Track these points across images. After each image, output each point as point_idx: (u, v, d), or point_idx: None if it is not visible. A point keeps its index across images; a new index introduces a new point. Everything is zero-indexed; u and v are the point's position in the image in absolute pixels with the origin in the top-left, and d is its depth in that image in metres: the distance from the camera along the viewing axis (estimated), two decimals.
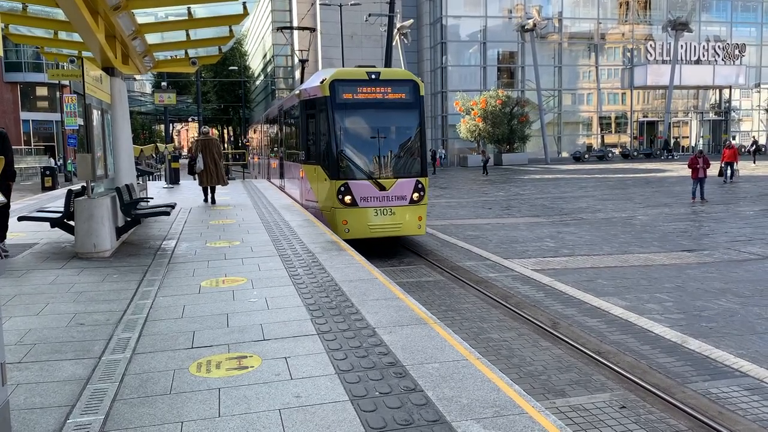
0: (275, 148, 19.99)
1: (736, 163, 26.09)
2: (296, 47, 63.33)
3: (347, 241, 9.63)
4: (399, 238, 12.73)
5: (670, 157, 50.33)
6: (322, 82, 11.97)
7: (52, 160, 39.36)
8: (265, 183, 22.36)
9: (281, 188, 18.27)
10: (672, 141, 55.04)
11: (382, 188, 11.60)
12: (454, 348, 4.53)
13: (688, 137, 57.55)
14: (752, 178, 28.97)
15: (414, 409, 3.56)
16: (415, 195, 11.82)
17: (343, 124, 11.80)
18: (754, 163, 39.80)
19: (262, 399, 3.74)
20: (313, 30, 29.51)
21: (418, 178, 11.95)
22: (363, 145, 11.89)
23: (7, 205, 8.71)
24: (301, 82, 23.09)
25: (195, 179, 15.58)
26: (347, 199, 11.48)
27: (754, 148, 42.82)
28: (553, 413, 3.84)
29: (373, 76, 11.98)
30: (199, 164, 14.50)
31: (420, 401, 3.66)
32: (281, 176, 18.31)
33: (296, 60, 66.47)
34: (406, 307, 5.60)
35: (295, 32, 44.27)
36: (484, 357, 4.43)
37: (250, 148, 37.58)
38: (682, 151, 54.14)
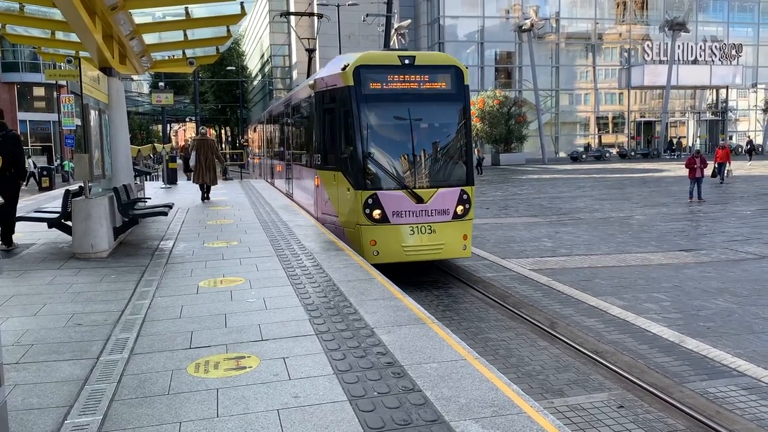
0: (281, 150, 17.61)
1: (729, 163, 26.17)
2: (293, 42, 63.32)
3: (376, 265, 7.78)
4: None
5: (674, 156, 50.43)
6: (344, 69, 9.68)
7: (45, 159, 39.29)
8: (263, 183, 22.34)
9: (288, 195, 15.97)
10: (676, 141, 55.23)
11: (419, 200, 9.40)
12: (452, 348, 4.54)
13: (685, 137, 57.67)
14: (749, 178, 29.04)
15: (412, 409, 3.56)
16: (459, 208, 9.64)
17: (370, 121, 9.62)
18: (749, 162, 39.96)
19: (261, 399, 3.73)
20: (320, 16, 28.47)
21: (463, 188, 9.75)
22: (395, 147, 9.75)
23: (11, 206, 8.82)
24: (308, 75, 19.81)
25: (188, 179, 16.01)
26: (376, 213, 9.32)
27: (749, 147, 43.00)
28: (552, 413, 3.85)
29: (407, 61, 9.76)
30: (192, 162, 15.49)
31: (418, 401, 3.66)
32: (288, 182, 15.91)
33: (294, 60, 66.45)
34: (405, 307, 5.60)
35: (294, 30, 43.55)
36: (482, 357, 4.43)
37: (250, 148, 36.82)
38: (688, 151, 54.37)
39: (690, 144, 55.40)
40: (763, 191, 22.95)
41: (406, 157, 9.68)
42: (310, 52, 26.36)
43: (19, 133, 9.79)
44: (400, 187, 9.46)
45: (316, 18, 28.37)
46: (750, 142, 44.95)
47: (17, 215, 9.24)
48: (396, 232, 9.37)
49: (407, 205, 9.39)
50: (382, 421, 3.42)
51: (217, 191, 17.78)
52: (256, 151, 29.97)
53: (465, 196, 9.73)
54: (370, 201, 9.33)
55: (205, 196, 15.51)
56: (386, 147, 9.72)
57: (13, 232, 8.97)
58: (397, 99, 9.76)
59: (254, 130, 31.93)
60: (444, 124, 10.18)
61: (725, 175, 26.07)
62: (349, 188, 9.63)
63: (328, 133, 10.42)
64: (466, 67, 10.31)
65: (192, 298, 6.11)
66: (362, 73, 9.61)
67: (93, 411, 3.61)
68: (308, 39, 29.80)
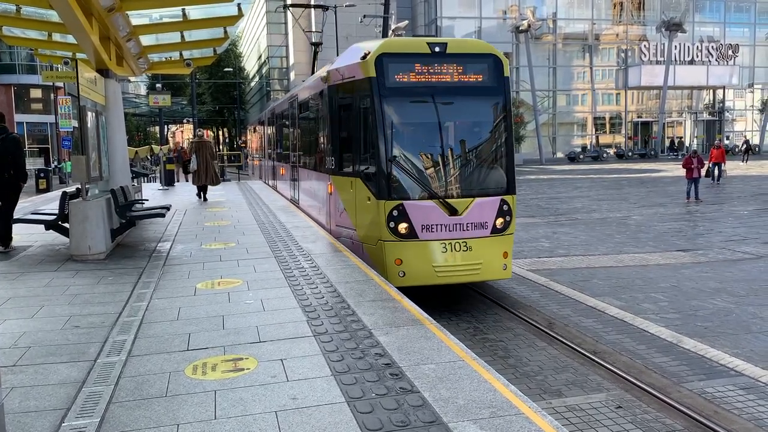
0: (286, 152, 16.03)
1: (724, 163, 26.25)
2: (290, 43, 63.33)
3: (401, 288, 6.72)
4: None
5: (675, 156, 50.53)
6: (364, 58, 8.37)
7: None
8: (260, 184, 22.33)
9: (293, 201, 14.57)
10: (677, 141, 55.36)
11: (453, 212, 8.05)
12: (450, 349, 4.53)
13: (682, 137, 57.80)
14: (746, 178, 29.10)
15: (410, 411, 3.56)
16: (499, 221, 8.32)
17: (394, 118, 8.32)
18: (744, 162, 40.07)
19: (259, 401, 3.73)
20: (326, 8, 27.63)
21: (504, 197, 8.42)
22: (424, 149, 8.45)
23: (8, 207, 8.91)
24: (313, 71, 18.78)
25: (188, 180, 16.23)
26: (402, 227, 8.00)
27: (744, 147, 43.11)
28: (550, 413, 3.85)
29: (438, 49, 8.43)
30: (193, 164, 15.59)
31: (416, 402, 3.66)
32: (294, 187, 14.36)
33: (291, 61, 66.43)
34: (402, 308, 5.60)
35: (298, 23, 42.84)
36: (480, 358, 4.43)
37: (249, 149, 36.02)
38: (686, 152, 54.49)
39: (688, 144, 55.55)
40: (761, 191, 22.99)
41: (436, 161, 8.35)
42: (316, 45, 24.82)
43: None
44: (430, 196, 8.11)
45: (322, 12, 27.34)
46: (746, 142, 45.04)
47: (14, 217, 9.24)
48: (426, 249, 8.04)
49: (439, 218, 8.06)
50: (381, 423, 3.42)
51: (215, 192, 17.80)
52: (256, 152, 28.67)
53: (505, 207, 8.39)
54: (395, 213, 8.02)
55: (204, 196, 15.93)
56: (414, 149, 8.45)
57: (10, 234, 8.98)
58: (426, 93, 8.44)
59: (254, 131, 30.43)
60: (481, 123, 8.85)
61: (720, 175, 26.14)
62: (370, 197, 8.30)
63: (344, 132, 9.15)
64: (506, 56, 8.98)
65: (190, 299, 6.10)
66: (385, 63, 8.29)
67: (90, 413, 3.60)
68: (313, 32, 28.82)
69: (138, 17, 10.20)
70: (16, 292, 6.53)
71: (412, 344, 4.64)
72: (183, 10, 9.98)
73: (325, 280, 6.68)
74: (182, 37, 11.35)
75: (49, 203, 13.60)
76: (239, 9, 10.28)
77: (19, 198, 9.16)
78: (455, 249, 8.08)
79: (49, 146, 45.67)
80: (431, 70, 8.40)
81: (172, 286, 6.69)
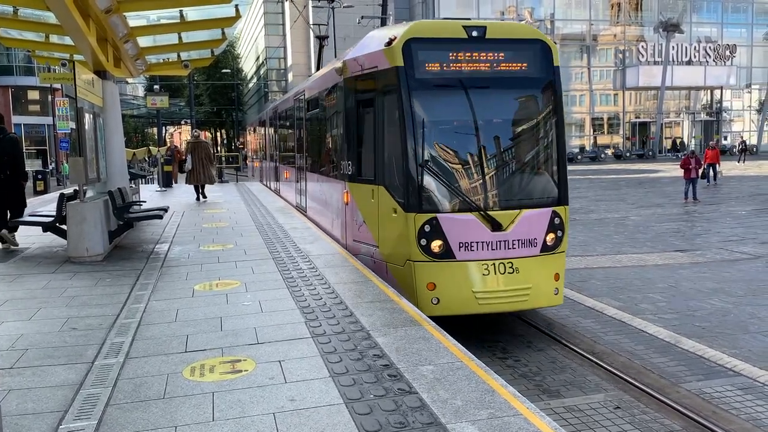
0: (291, 153, 14.60)
1: (719, 164, 26.30)
2: (288, 45, 63.37)
3: (433, 318, 5.63)
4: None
5: (677, 156, 50.65)
6: (389, 44, 7.15)
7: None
8: (258, 185, 22.31)
9: (299, 208, 13.22)
10: (679, 141, 55.49)
11: (496, 226, 6.85)
12: (448, 350, 4.53)
13: (680, 138, 57.91)
14: (744, 178, 29.16)
15: (409, 412, 3.55)
16: (550, 237, 7.10)
17: (426, 115, 7.10)
18: (740, 162, 40.17)
19: (257, 403, 3.72)
20: (332, 0, 26.91)
21: (555, 208, 7.18)
22: (461, 152, 7.23)
23: (17, 206, 9.23)
24: (317, 68, 17.11)
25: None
26: (436, 245, 6.80)
27: (741, 147, 43.23)
28: (548, 414, 3.85)
29: (475, 33, 7.19)
30: (188, 164, 16.12)
31: (415, 404, 3.65)
32: (301, 194, 12.93)
33: (289, 62, 66.41)
34: (400, 309, 5.60)
35: (302, 17, 42.19)
36: (478, 358, 4.43)
37: (248, 151, 35.11)
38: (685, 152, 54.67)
39: (687, 144, 55.66)
40: (758, 191, 23.04)
41: (476, 165, 7.13)
42: (321, 39, 23.30)
43: None
44: (469, 208, 6.89)
45: (328, 5, 26.50)
46: (743, 142, 45.17)
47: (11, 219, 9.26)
48: (464, 271, 6.82)
49: (480, 234, 6.84)
50: (379, 424, 3.41)
51: (213, 194, 17.83)
52: (256, 154, 27.12)
53: (557, 221, 7.16)
54: (427, 228, 6.81)
55: (201, 196, 16.30)
56: (449, 151, 7.23)
57: (9, 231, 9.16)
58: (462, 85, 7.23)
59: (253, 131, 28.90)
60: (527, 120, 7.56)
61: (715, 176, 26.18)
62: (397, 209, 7.08)
63: (364, 132, 7.95)
64: (555, 43, 7.78)
65: (187, 301, 6.09)
66: (415, 50, 7.06)
67: (88, 416, 3.59)
68: (320, 25, 26.86)
69: (135, 18, 10.19)
70: (13, 294, 6.52)
71: (411, 345, 4.63)
72: (180, 11, 9.98)
73: (323, 281, 6.68)
74: (180, 38, 11.35)
75: (47, 205, 13.58)
76: (237, 10, 10.29)
77: (24, 197, 9.39)
78: (499, 271, 6.85)
79: (47, 148, 45.62)
80: (468, 58, 7.17)
81: (170, 287, 6.68)
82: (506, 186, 7.24)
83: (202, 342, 4.84)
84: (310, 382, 4.01)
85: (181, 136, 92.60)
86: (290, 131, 14.83)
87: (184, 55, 12.94)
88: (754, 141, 57.16)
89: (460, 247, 6.81)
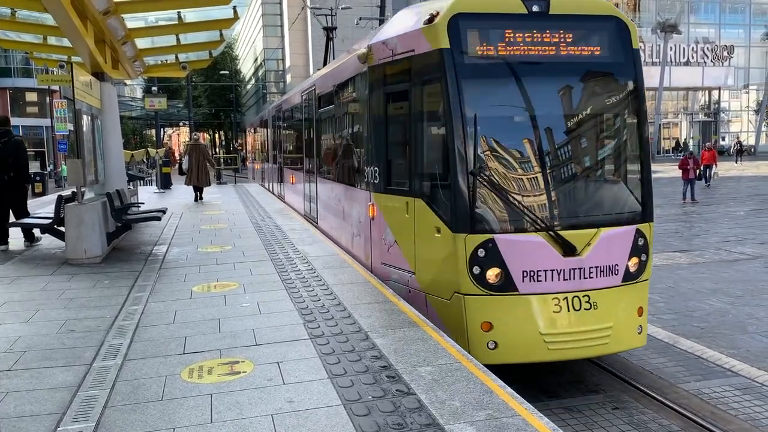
0: (298, 156, 13.06)
1: (715, 165, 26.33)
2: (287, 45, 63.39)
3: (490, 367, 4.42)
4: None
5: (680, 156, 50.77)
6: (430, 21, 5.78)
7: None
8: (256, 187, 22.30)
9: (309, 218, 11.71)
10: (682, 142, 55.59)
11: (569, 250, 5.50)
12: (446, 351, 4.53)
13: (683, 138, 57.97)
14: (742, 179, 29.20)
15: (407, 413, 3.55)
16: (633, 262, 5.76)
17: (479, 111, 5.61)
18: (737, 163, 40.28)
19: (255, 404, 3.72)
20: None
21: (638, 226, 5.85)
22: (522, 157, 5.87)
23: (21, 207, 9.38)
24: (325, 62, 16.31)
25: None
26: (493, 274, 5.45)
27: (737, 148, 43.36)
28: (547, 415, 3.84)
29: (536, 8, 5.79)
30: (185, 165, 16.50)
31: (413, 405, 3.65)
32: (311, 202, 11.45)
33: (288, 64, 66.41)
34: (399, 310, 5.60)
35: (307, 6, 41.78)
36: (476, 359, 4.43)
37: (248, 152, 34.01)
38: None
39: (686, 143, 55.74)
40: (756, 192, 23.07)
41: (541, 174, 5.74)
42: (329, 30, 21.43)
43: None
44: (535, 227, 5.52)
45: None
46: (739, 143, 45.30)
47: (10, 221, 9.25)
48: (529, 307, 5.46)
49: (549, 260, 5.47)
50: (377, 426, 3.41)
51: (212, 195, 17.84)
52: (257, 156, 25.37)
53: (641, 241, 5.81)
54: (481, 252, 5.44)
55: (199, 197, 16.53)
56: (508, 156, 5.82)
57: (7, 233, 9.21)
58: (523, 73, 5.82)
59: (254, 132, 26.90)
60: (603, 116, 6.19)
61: (711, 177, 26.24)
62: (441, 228, 5.71)
63: (397, 132, 6.58)
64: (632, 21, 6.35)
65: (186, 303, 6.08)
66: (463, 28, 5.67)
67: (86, 418, 3.59)
68: (326, 15, 25.26)
69: (133, 20, 10.20)
70: (11, 296, 6.51)
71: (409, 346, 4.63)
72: (178, 13, 9.98)
73: (321, 283, 6.68)
74: (178, 40, 11.36)
75: (45, 207, 13.56)
76: (235, 12, 10.29)
77: (26, 199, 9.48)
78: (573, 307, 5.47)
79: (45, 150, 45.59)
80: (529, 39, 5.76)
81: (168, 289, 6.68)
82: (580, 199, 5.95)
83: (201, 343, 4.83)
84: (309, 383, 4.01)
85: (179, 137, 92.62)
86: (298, 131, 13.30)
87: (182, 57, 12.95)
88: (752, 141, 57.24)
89: (523, 276, 5.44)
